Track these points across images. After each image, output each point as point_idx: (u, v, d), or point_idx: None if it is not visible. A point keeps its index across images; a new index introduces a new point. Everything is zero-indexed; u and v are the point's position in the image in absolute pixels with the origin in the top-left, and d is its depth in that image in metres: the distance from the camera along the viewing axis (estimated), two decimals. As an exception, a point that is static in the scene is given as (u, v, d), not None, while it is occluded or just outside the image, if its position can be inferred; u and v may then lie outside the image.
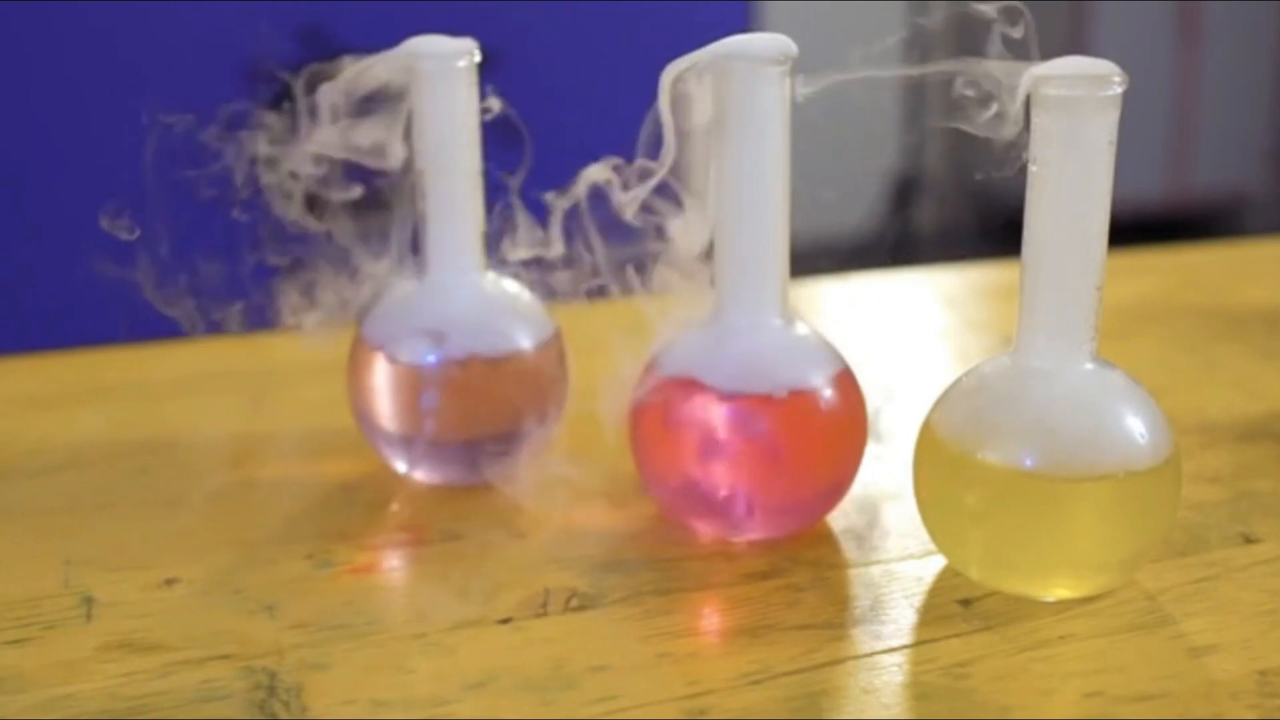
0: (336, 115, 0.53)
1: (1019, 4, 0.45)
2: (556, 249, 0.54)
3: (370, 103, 0.54)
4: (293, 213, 0.56)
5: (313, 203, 0.56)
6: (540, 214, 0.54)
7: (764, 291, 0.50)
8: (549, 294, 0.56)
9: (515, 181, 0.54)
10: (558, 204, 0.52)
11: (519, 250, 0.54)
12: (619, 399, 0.53)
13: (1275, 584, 0.48)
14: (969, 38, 0.46)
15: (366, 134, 0.54)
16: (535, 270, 0.55)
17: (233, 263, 0.57)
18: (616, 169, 0.50)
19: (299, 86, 0.54)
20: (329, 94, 0.53)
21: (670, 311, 0.53)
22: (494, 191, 0.56)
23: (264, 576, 0.50)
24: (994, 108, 0.45)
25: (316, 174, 0.55)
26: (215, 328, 0.57)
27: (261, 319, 0.57)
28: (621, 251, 0.53)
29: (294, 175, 0.55)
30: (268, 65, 0.54)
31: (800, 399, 0.50)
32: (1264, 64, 3.01)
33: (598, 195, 0.52)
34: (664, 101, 0.47)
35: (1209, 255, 0.98)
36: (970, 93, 0.45)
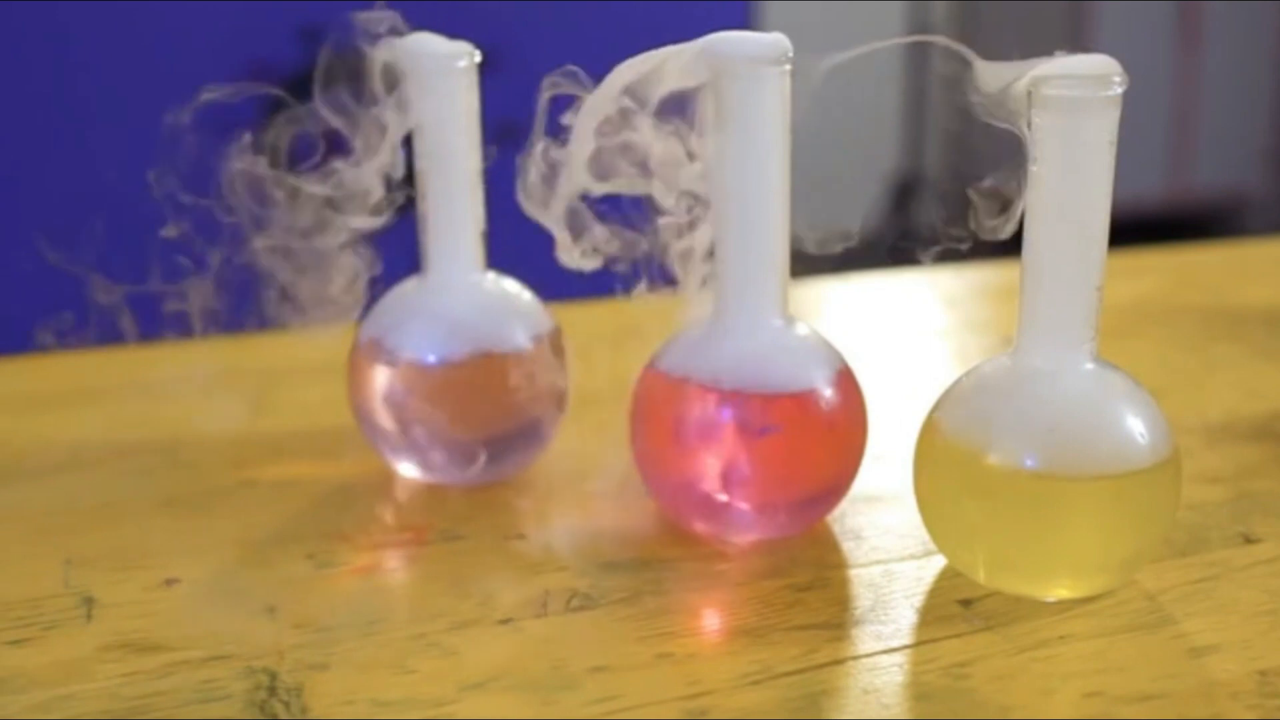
0: None
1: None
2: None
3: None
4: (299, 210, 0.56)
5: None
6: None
7: (764, 291, 0.50)
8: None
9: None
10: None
11: None
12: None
13: (1275, 584, 0.48)
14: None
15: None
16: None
17: (233, 262, 0.57)
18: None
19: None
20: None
21: (670, 311, 0.53)
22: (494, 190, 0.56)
23: (264, 576, 0.50)
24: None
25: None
26: (216, 327, 0.57)
27: (262, 319, 0.57)
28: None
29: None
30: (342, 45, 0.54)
31: (800, 399, 0.50)
32: (1264, 64, 3.01)
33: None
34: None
35: (1209, 255, 0.98)
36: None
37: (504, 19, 1.24)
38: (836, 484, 0.52)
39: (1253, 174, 3.06)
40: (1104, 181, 0.44)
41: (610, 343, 0.55)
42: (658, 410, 0.51)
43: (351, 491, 0.57)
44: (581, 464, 0.58)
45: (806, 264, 0.54)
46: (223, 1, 1.20)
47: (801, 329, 0.51)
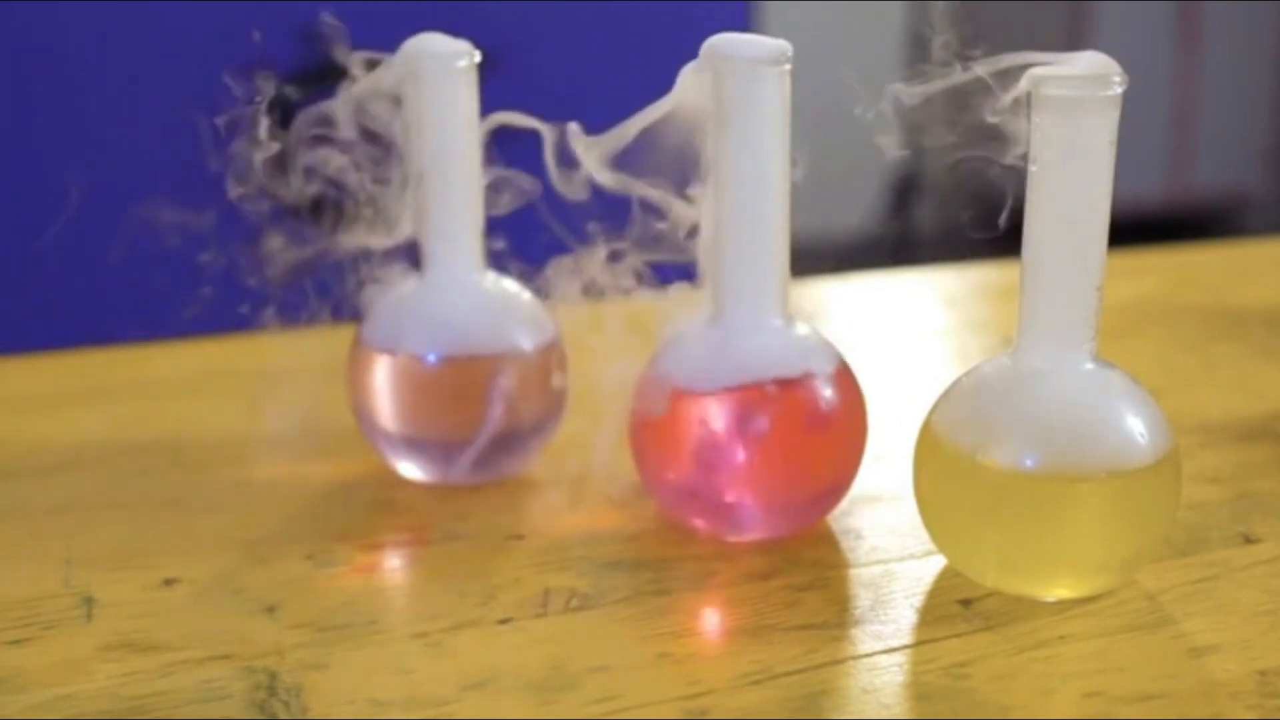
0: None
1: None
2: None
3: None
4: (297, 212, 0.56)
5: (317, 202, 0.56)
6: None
7: (764, 291, 0.50)
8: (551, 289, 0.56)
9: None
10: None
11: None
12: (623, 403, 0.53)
13: (1275, 584, 0.48)
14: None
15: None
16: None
17: (234, 261, 0.57)
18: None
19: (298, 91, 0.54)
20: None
21: (670, 312, 0.53)
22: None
23: (264, 576, 0.50)
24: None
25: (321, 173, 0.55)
26: (217, 327, 0.57)
27: (263, 318, 0.57)
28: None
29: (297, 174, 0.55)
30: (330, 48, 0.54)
31: (800, 399, 0.50)
32: (1264, 64, 3.01)
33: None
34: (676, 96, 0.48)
35: (1209, 255, 0.98)
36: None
37: (504, 19, 1.24)
38: (836, 484, 0.52)
39: (1253, 174, 3.06)
40: (1104, 181, 0.44)
41: (610, 343, 0.55)
42: (658, 410, 0.51)
43: (351, 491, 0.57)
44: (581, 464, 0.58)
45: (806, 264, 0.54)
46: (223, 1, 1.20)
47: (801, 329, 0.51)
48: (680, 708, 0.41)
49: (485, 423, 0.54)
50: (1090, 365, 0.46)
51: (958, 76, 0.46)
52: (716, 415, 0.49)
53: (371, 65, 0.54)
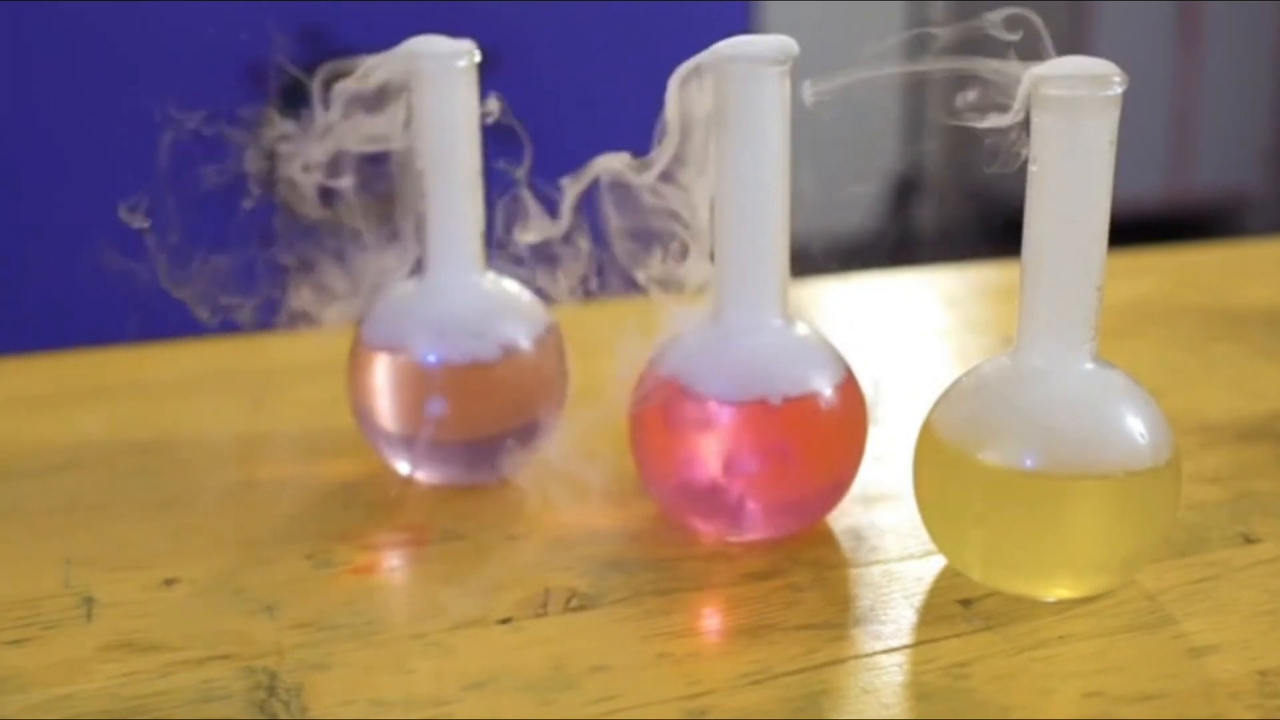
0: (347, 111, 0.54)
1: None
2: (562, 232, 0.54)
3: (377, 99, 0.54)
4: (300, 209, 0.56)
5: (321, 198, 0.56)
6: (548, 205, 0.54)
7: (764, 292, 0.50)
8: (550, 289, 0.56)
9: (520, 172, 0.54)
10: (569, 189, 0.52)
11: (527, 235, 0.54)
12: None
13: (1275, 584, 0.48)
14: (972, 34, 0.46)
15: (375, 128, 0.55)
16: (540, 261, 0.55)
17: (234, 260, 0.57)
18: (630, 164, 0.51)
19: (310, 84, 0.54)
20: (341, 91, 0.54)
21: (670, 311, 0.53)
22: (496, 189, 0.56)
23: (264, 576, 0.50)
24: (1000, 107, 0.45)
25: (325, 169, 0.55)
26: (219, 326, 0.57)
27: (266, 317, 0.57)
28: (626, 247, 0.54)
29: (303, 170, 0.55)
30: (275, 63, 0.54)
31: (800, 399, 0.50)
32: (1264, 64, 3.01)
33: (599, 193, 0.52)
34: (671, 106, 0.48)
35: (1209, 255, 0.98)
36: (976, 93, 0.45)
37: (504, 19, 1.24)
38: (836, 484, 0.52)
39: (1253, 174, 3.06)
40: (1104, 181, 0.44)
41: (610, 343, 0.55)
42: (657, 411, 0.51)
43: (351, 491, 0.57)
44: (581, 464, 0.58)
45: (806, 264, 0.54)
46: (224, 1, 1.20)
47: (801, 329, 0.51)
48: (680, 708, 0.41)
49: (424, 422, 0.54)
50: (1090, 365, 0.46)
51: (870, 72, 0.46)
52: (715, 416, 0.49)
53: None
